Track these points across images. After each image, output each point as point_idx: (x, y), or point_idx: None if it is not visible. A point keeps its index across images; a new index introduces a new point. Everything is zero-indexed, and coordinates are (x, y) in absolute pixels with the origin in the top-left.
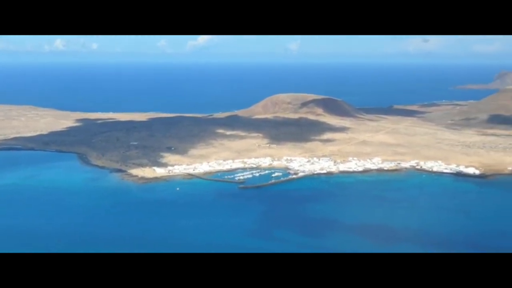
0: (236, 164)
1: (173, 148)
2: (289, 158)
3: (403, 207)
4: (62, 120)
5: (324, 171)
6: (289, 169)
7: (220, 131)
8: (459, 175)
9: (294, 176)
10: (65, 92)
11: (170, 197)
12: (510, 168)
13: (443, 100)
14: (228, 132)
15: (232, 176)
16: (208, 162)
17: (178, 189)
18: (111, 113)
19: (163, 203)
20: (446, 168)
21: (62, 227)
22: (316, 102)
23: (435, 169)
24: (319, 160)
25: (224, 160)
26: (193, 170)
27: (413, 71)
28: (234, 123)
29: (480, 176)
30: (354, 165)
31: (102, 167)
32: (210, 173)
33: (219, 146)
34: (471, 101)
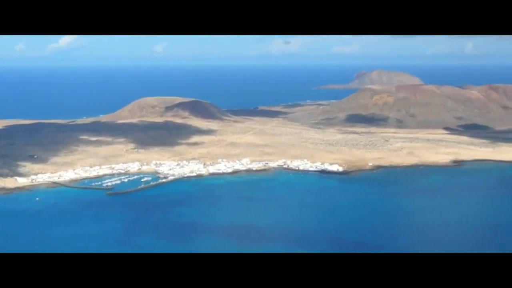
0: (104, 170)
1: (35, 156)
2: (158, 162)
3: (271, 206)
4: None
5: (194, 174)
6: (159, 173)
7: (84, 137)
8: (323, 172)
9: (163, 180)
10: None
11: (33, 207)
12: (370, 164)
13: (307, 101)
14: (93, 138)
15: (99, 183)
16: (74, 170)
17: (38, 199)
18: None
19: (26, 213)
20: (311, 166)
21: None
22: (183, 105)
23: (301, 167)
24: (188, 163)
25: (91, 167)
26: (58, 178)
27: (277, 73)
28: (99, 128)
29: (343, 173)
30: (223, 166)
31: None
32: (76, 180)
33: (84, 153)
34: (333, 100)
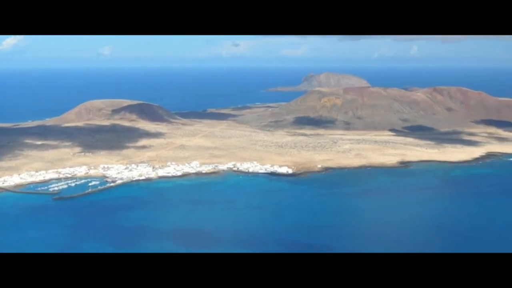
0: (50, 174)
1: None
2: (106, 166)
3: (220, 209)
4: None
5: (143, 177)
6: (107, 177)
7: (29, 141)
8: (273, 174)
9: (112, 184)
10: None
11: None
12: (319, 166)
13: (256, 103)
14: (39, 142)
15: (45, 188)
16: (19, 174)
17: None
18: None
19: None
20: (261, 169)
21: None
22: (131, 108)
23: (251, 169)
24: (137, 166)
25: (37, 171)
26: (3, 183)
27: (226, 75)
28: (44, 132)
29: (293, 175)
30: (173, 169)
31: None
32: (21, 185)
33: (29, 157)
34: (282, 103)
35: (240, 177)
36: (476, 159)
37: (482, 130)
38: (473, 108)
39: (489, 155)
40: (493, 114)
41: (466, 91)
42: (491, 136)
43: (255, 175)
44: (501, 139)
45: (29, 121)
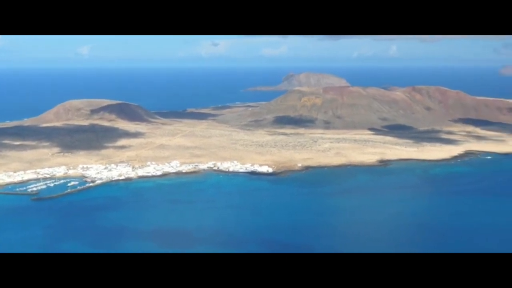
0: (28, 175)
1: None
2: (85, 166)
3: (201, 208)
4: None
5: (123, 177)
6: (86, 177)
7: (7, 141)
8: (253, 173)
9: (91, 184)
10: None
11: None
12: (299, 165)
13: (236, 102)
14: (17, 142)
15: (24, 188)
16: None
17: None
18: None
19: None
20: (241, 168)
21: None
22: (110, 108)
23: (231, 169)
24: (116, 166)
25: (15, 172)
26: None
27: (206, 75)
28: (22, 132)
29: (273, 174)
30: (152, 169)
31: None
32: None
33: (7, 157)
34: (262, 102)
35: (221, 176)
36: (455, 158)
37: (460, 128)
38: (451, 107)
39: (468, 153)
40: (471, 113)
41: (444, 91)
42: (469, 135)
43: (236, 174)
44: (479, 138)
45: (7, 121)
